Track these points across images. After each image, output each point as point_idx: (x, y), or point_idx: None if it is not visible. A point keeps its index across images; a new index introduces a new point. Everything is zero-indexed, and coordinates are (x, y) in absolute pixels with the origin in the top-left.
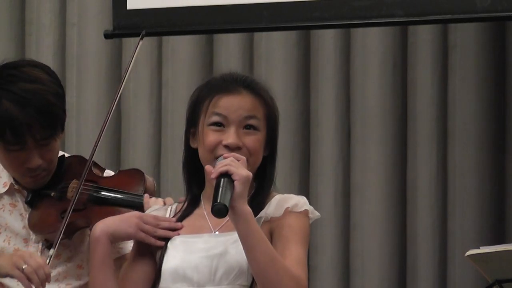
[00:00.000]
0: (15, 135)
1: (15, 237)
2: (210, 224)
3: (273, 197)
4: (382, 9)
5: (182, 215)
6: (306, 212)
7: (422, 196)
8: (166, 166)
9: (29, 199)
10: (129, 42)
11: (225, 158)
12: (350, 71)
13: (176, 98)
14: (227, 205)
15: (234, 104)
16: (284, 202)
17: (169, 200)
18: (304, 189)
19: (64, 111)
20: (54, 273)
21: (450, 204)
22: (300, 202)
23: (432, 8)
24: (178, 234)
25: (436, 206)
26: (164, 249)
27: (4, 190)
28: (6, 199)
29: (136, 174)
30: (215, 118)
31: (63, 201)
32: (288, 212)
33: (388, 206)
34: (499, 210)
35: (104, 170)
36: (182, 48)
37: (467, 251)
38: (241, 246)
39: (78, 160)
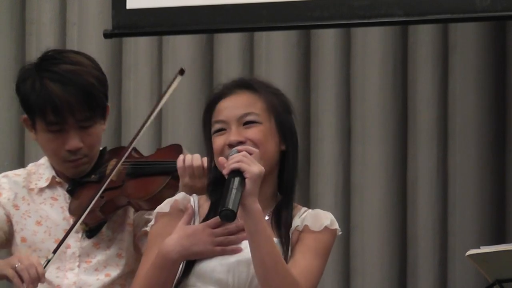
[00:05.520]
0: (56, 113)
1: (55, 228)
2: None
3: (300, 209)
4: (382, 9)
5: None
6: (336, 231)
7: (422, 195)
8: None
9: (70, 188)
10: (129, 42)
11: (238, 151)
12: (350, 70)
13: (176, 98)
14: (235, 210)
15: (229, 106)
16: (321, 217)
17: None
18: (304, 188)
19: (105, 96)
20: (93, 262)
21: (450, 204)
22: (333, 220)
23: (432, 8)
24: (245, 239)
25: (436, 206)
26: None
27: (46, 184)
28: (48, 193)
29: (174, 148)
30: (217, 126)
31: (102, 181)
32: (326, 228)
33: (388, 205)
34: (499, 210)
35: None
36: (182, 48)
37: (468, 251)
38: None
39: (119, 150)
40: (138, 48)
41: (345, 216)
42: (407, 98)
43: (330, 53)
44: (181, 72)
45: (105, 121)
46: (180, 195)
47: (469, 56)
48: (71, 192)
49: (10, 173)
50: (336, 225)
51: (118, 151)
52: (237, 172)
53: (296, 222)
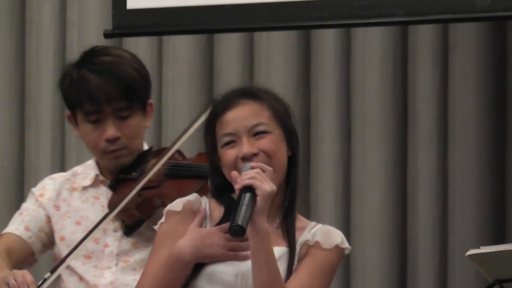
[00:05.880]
0: (93, 102)
1: None
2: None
3: (308, 224)
4: (382, 9)
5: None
6: (345, 250)
7: (422, 195)
8: None
9: (112, 183)
10: (129, 42)
11: (252, 167)
12: (350, 70)
13: (176, 98)
14: (245, 226)
15: (236, 118)
16: (333, 235)
17: None
18: (304, 188)
19: (145, 88)
20: (130, 261)
21: (451, 204)
22: (343, 238)
23: (432, 8)
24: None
25: (436, 206)
26: None
27: (90, 183)
28: (91, 192)
29: None
30: (226, 139)
31: (139, 180)
32: (336, 246)
33: (388, 205)
34: (499, 210)
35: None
36: (182, 48)
37: (468, 251)
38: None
39: (163, 150)
40: (138, 48)
41: (345, 216)
42: (407, 98)
43: (330, 53)
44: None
45: (147, 118)
46: (193, 196)
47: (469, 56)
48: (113, 187)
49: (56, 174)
50: (346, 244)
51: (162, 152)
52: (249, 188)
53: (306, 236)
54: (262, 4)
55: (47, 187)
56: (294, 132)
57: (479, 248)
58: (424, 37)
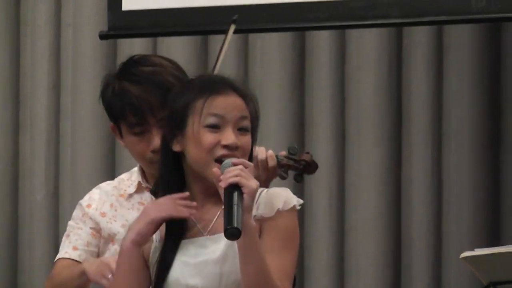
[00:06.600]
0: (135, 114)
1: None
2: (200, 228)
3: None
4: (377, 10)
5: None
6: (294, 208)
7: (417, 197)
8: None
9: (153, 188)
10: (123, 43)
11: (234, 164)
12: (345, 72)
13: None
14: (240, 228)
15: (228, 105)
16: (274, 200)
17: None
18: (298, 189)
19: None
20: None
21: (445, 205)
22: (287, 198)
23: (427, 9)
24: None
25: (431, 207)
26: (159, 261)
27: (134, 190)
28: (136, 198)
29: None
30: (213, 119)
31: None
32: (279, 212)
33: (382, 207)
34: (494, 212)
35: None
36: (177, 49)
37: (462, 252)
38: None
39: None
40: (133, 49)
41: (340, 217)
42: (402, 99)
43: (325, 54)
44: (234, 21)
45: None
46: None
47: (464, 57)
48: (154, 193)
49: (103, 184)
50: (290, 203)
51: None
52: (235, 187)
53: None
54: (258, 6)
55: (94, 197)
56: (256, 138)
57: (474, 250)
58: (419, 38)
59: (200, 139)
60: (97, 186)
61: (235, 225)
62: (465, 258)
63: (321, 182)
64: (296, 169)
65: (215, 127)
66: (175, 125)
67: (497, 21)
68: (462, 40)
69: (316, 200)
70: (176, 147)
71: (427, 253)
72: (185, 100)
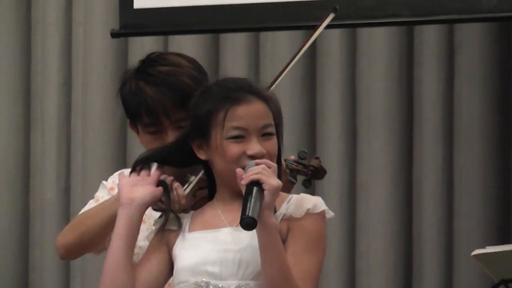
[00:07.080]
0: (150, 114)
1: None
2: (225, 221)
3: (286, 196)
4: (387, 9)
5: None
6: (323, 213)
7: (428, 195)
8: None
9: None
10: (134, 42)
11: (257, 164)
12: (356, 70)
13: None
14: (256, 218)
15: (249, 115)
16: (304, 202)
17: None
18: (309, 188)
19: None
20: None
21: (456, 204)
22: (318, 202)
23: (438, 8)
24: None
25: (441, 206)
26: (179, 246)
27: None
28: None
29: None
30: (235, 132)
31: (189, 180)
32: (308, 214)
33: (393, 205)
34: (505, 210)
35: None
36: (187, 48)
37: (473, 250)
38: None
39: None
40: (144, 47)
41: (351, 215)
42: (413, 98)
43: (335, 52)
44: (335, 10)
45: None
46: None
47: (474, 56)
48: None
49: (126, 170)
50: (320, 207)
51: None
52: (256, 183)
53: (282, 209)
54: (268, 4)
55: (116, 181)
56: (282, 134)
57: (485, 248)
58: (429, 37)
59: (224, 152)
60: (120, 171)
61: (251, 215)
62: (476, 256)
63: (332, 181)
64: (305, 174)
65: (239, 138)
66: (200, 135)
67: (508, 20)
68: (472, 38)
69: (327, 198)
70: (202, 156)
71: (438, 251)
72: (206, 110)
